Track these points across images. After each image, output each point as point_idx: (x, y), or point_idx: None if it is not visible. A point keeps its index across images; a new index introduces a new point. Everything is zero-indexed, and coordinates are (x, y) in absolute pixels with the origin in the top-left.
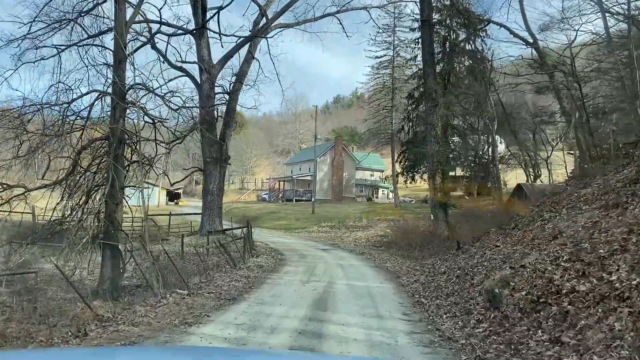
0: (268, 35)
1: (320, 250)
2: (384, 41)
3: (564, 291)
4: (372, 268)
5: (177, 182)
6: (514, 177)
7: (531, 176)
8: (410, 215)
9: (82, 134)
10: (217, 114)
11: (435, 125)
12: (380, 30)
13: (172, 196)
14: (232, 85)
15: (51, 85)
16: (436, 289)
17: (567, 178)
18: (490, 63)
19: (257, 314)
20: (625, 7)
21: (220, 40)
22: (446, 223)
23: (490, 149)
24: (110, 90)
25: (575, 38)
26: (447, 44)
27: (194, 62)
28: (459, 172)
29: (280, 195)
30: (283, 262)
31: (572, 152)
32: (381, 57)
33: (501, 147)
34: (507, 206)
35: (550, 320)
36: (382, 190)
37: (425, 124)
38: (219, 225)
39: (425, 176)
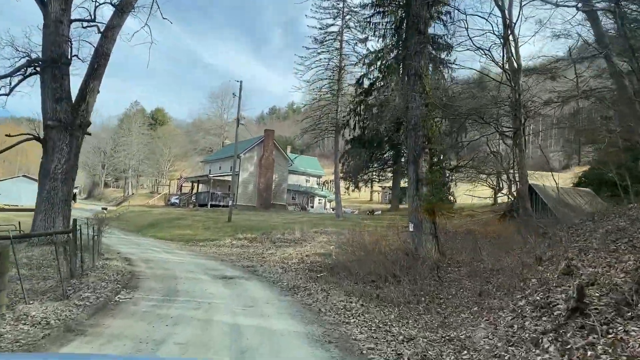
0: None
1: (220, 282)
2: (333, 6)
3: None
4: (325, 348)
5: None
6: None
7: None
8: (357, 228)
9: None
10: (71, 51)
11: (421, 73)
12: None
13: None
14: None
15: None
16: None
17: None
18: None
19: None
20: None
21: None
22: (435, 239)
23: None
24: None
25: None
26: None
27: None
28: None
29: (192, 198)
30: (106, 313)
31: None
32: (326, 27)
33: None
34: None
35: None
36: (319, 199)
37: (402, 67)
38: (62, 228)
39: (371, 183)
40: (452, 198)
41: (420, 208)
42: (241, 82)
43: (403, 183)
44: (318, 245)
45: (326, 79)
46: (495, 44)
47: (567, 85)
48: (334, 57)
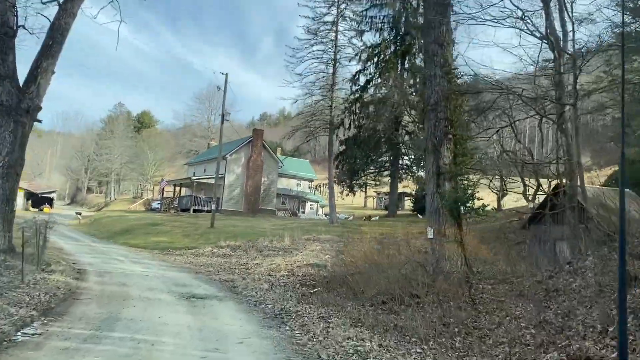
0: None
1: (184, 304)
2: None
3: None
4: None
5: None
6: None
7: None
8: (356, 235)
9: None
10: (17, 21)
11: (442, 41)
12: None
13: (38, 200)
14: None
15: None
16: None
17: None
18: None
19: None
20: None
21: None
22: (461, 248)
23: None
24: None
25: None
26: None
27: None
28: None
29: (174, 203)
30: None
31: None
32: (321, 17)
33: None
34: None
35: None
36: (311, 204)
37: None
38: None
39: (366, 187)
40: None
41: (443, 209)
42: (226, 74)
43: (401, 187)
44: (311, 254)
45: (320, 72)
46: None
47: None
48: (329, 50)
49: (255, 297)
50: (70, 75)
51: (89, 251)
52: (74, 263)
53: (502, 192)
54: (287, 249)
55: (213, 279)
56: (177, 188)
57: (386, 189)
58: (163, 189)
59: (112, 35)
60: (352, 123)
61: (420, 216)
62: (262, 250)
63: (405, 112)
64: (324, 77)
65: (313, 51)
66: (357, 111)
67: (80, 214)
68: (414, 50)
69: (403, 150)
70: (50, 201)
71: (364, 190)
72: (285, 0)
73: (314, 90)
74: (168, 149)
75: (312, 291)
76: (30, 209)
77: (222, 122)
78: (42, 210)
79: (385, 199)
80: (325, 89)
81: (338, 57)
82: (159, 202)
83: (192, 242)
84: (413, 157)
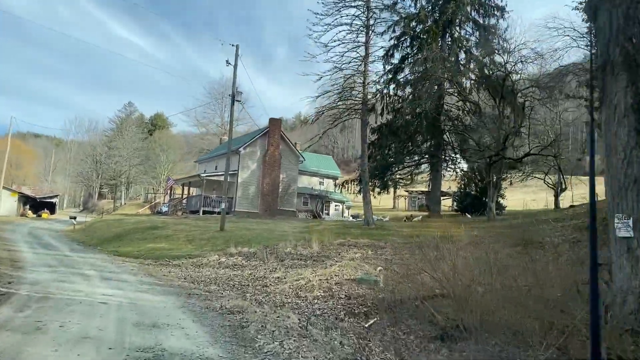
0: None
1: None
2: None
3: None
4: None
5: None
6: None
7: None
8: (400, 241)
9: None
10: None
11: None
12: None
13: (37, 205)
14: None
15: None
16: None
17: None
18: None
19: None
20: None
21: None
22: None
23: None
24: None
25: None
26: None
27: None
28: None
29: (182, 204)
30: None
31: None
32: None
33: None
34: None
35: None
36: (336, 205)
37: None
38: None
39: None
40: None
41: None
42: (237, 45)
43: (446, 183)
44: (350, 264)
45: (350, 42)
46: None
47: None
48: (361, 15)
49: (280, 351)
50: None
51: (54, 263)
52: (9, 282)
53: None
54: (317, 257)
55: (211, 308)
56: (186, 188)
57: (419, 187)
58: (171, 188)
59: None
60: (384, 108)
61: (469, 215)
62: (283, 259)
63: (449, 92)
64: (354, 47)
65: (341, 16)
66: (392, 93)
67: (75, 218)
68: (458, 19)
69: (446, 138)
70: (51, 206)
71: (400, 186)
72: (299, 10)
73: (342, 64)
74: (181, 151)
75: (366, 325)
76: (29, 214)
77: (233, 104)
78: (39, 216)
79: (419, 199)
80: (356, 63)
81: (371, 22)
82: (167, 204)
83: (196, 248)
84: (457, 146)
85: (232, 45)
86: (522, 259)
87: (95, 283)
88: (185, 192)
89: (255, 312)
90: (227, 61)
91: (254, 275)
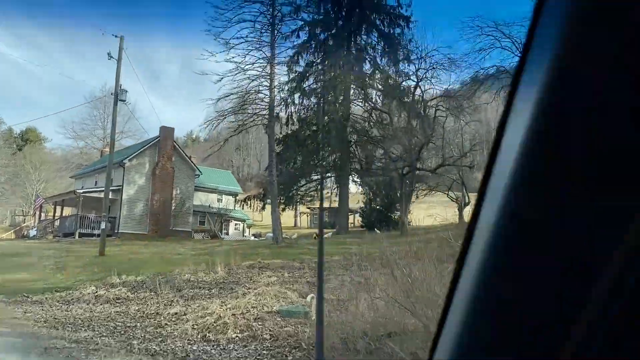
0: None
1: None
2: None
3: None
4: None
5: None
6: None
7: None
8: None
9: None
10: None
11: None
12: None
13: None
14: None
15: None
16: None
17: None
18: None
19: None
20: None
21: None
22: None
23: None
24: None
25: None
26: None
27: None
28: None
29: (54, 226)
30: None
31: None
32: None
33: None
34: None
35: None
36: (236, 224)
37: None
38: None
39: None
40: None
41: None
42: (122, 37)
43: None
44: (268, 291)
45: (254, 40)
46: None
47: None
48: (266, 11)
49: None
50: None
51: None
52: None
53: None
54: (225, 285)
55: None
56: (60, 208)
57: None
58: (40, 208)
59: None
60: (290, 117)
61: (377, 231)
62: (181, 289)
63: (356, 103)
64: (259, 47)
65: (243, 12)
66: (297, 102)
67: None
68: (364, 28)
69: (352, 151)
70: None
71: (304, 202)
72: (191, 33)
73: (246, 65)
74: (57, 166)
75: None
76: None
77: (116, 103)
78: None
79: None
80: (262, 64)
81: (277, 21)
82: (35, 228)
83: (67, 279)
84: (364, 159)
85: (116, 36)
86: None
87: None
88: (59, 212)
89: None
90: (108, 54)
91: (144, 312)
